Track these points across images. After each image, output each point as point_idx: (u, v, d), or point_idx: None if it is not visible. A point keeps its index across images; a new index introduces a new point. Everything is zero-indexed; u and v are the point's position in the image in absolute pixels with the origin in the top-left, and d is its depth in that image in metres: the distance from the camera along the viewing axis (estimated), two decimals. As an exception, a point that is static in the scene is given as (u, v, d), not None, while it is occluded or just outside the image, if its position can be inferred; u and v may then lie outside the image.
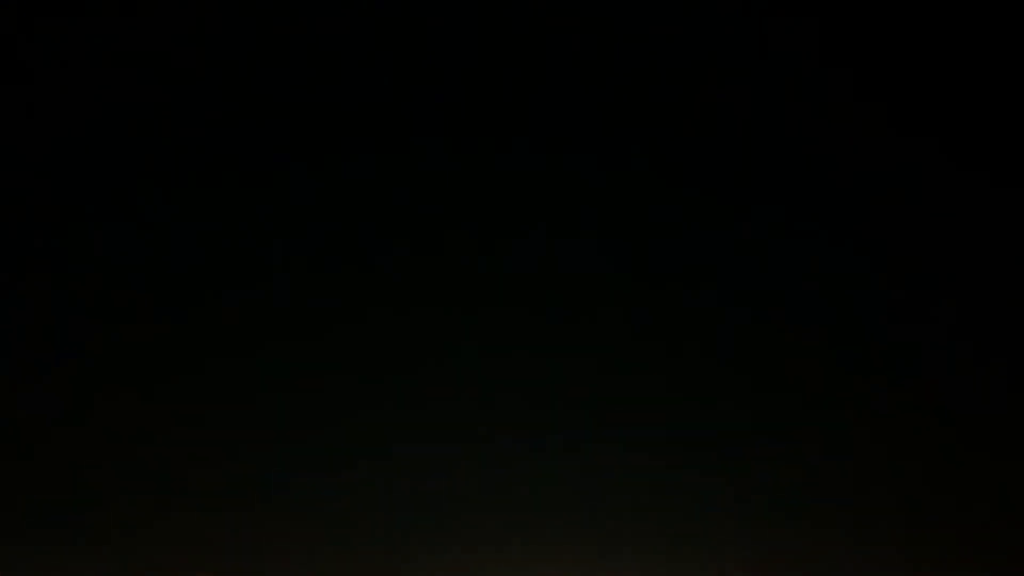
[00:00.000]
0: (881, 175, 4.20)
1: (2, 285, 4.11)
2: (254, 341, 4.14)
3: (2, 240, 4.11)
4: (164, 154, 4.17)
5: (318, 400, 4.13)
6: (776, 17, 4.20)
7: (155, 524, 4.05)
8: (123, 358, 4.12)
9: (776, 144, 4.20)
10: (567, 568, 4.04)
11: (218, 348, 4.13)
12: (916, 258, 4.17)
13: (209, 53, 4.16)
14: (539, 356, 4.15)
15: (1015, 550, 4.04)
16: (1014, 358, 4.13)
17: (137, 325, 4.13)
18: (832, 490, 4.09)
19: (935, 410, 4.12)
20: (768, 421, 4.12)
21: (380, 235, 4.19)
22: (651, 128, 4.20)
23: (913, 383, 4.13)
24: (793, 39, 4.21)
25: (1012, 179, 4.18)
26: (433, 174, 4.20)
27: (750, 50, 4.21)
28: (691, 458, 4.10)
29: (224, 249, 4.16)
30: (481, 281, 4.17)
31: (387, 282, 4.17)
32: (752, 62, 4.20)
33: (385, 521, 4.08)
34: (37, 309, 4.12)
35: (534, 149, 4.20)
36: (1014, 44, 4.18)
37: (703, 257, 4.18)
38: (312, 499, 4.09)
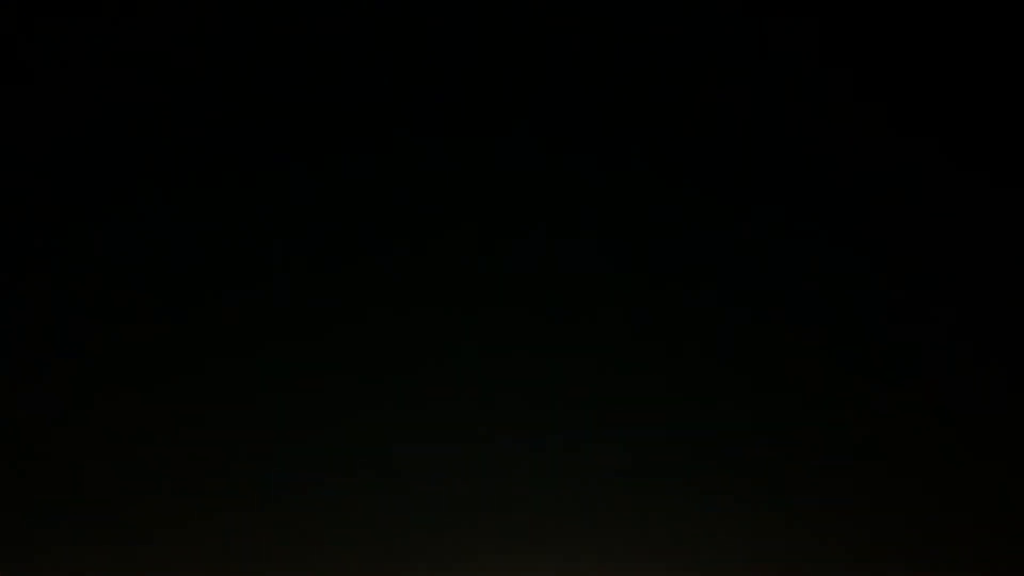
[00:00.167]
0: (881, 175, 4.20)
1: (1, 285, 4.11)
2: (254, 341, 4.14)
3: (1, 240, 4.12)
4: (164, 154, 4.17)
5: (318, 400, 4.13)
6: (776, 17, 4.20)
7: (155, 524, 4.05)
8: (122, 358, 4.12)
9: (776, 144, 4.20)
10: (568, 569, 4.04)
11: (217, 348, 4.13)
12: (916, 258, 4.17)
13: (209, 53, 4.16)
14: (539, 356, 4.14)
15: (1015, 550, 4.04)
16: (1014, 358, 4.13)
17: (136, 325, 4.13)
18: (832, 490, 4.09)
19: (935, 410, 4.12)
20: (769, 421, 4.12)
21: (380, 235, 4.19)
22: (651, 128, 4.20)
23: (913, 383, 4.13)
24: (793, 39, 4.21)
25: (1012, 179, 4.18)
26: (433, 174, 4.20)
27: (750, 50, 4.20)
28: (692, 459, 4.10)
29: (224, 249, 4.16)
30: (481, 281, 4.17)
31: (387, 282, 4.17)
32: (752, 62, 4.20)
33: (385, 521, 4.08)
34: (36, 309, 4.12)
35: (534, 149, 4.20)
36: (1014, 44, 4.18)
37: (703, 257, 4.18)
38: (311, 499, 4.09)
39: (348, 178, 4.20)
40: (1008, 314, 4.14)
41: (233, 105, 4.17)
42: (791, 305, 4.16)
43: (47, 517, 4.04)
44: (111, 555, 4.03)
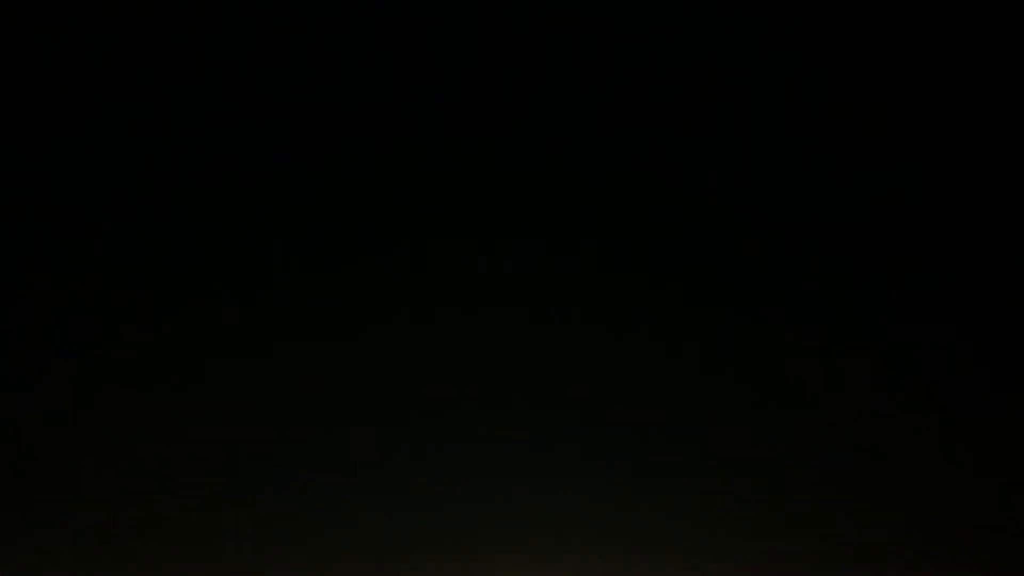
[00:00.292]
0: (881, 174, 4.20)
1: (2, 285, 4.11)
2: (253, 341, 4.14)
3: (1, 240, 4.12)
4: (164, 154, 4.17)
5: (317, 400, 4.13)
6: (776, 17, 4.20)
7: (155, 524, 4.05)
8: (122, 358, 4.12)
9: (776, 144, 4.20)
10: (568, 569, 4.05)
11: (217, 348, 4.13)
12: (916, 258, 4.17)
13: (209, 53, 4.16)
14: (539, 355, 4.14)
15: (1015, 550, 4.04)
16: (1015, 358, 4.13)
17: (136, 325, 4.13)
18: (832, 491, 4.09)
19: (935, 410, 4.12)
20: (769, 421, 4.12)
21: (380, 235, 4.19)
22: (651, 128, 4.20)
23: (913, 383, 4.13)
24: (793, 39, 4.21)
25: (1012, 179, 4.18)
26: (433, 174, 4.20)
27: (750, 50, 4.20)
28: (692, 459, 4.10)
29: (223, 249, 4.16)
30: (481, 281, 4.17)
31: (387, 282, 4.17)
32: (752, 62, 4.20)
33: (385, 521, 4.08)
34: (36, 309, 4.12)
35: (534, 149, 4.20)
36: (1014, 44, 4.19)
37: (703, 257, 4.18)
38: (312, 499, 4.09)
39: (348, 178, 4.20)
40: (1008, 314, 4.14)
41: (233, 105, 4.18)
42: (791, 305, 4.16)
43: (47, 517, 4.04)
44: (111, 555, 4.03)
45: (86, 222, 4.14)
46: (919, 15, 4.19)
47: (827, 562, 4.05)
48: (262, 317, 4.15)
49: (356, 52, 4.20)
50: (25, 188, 4.14)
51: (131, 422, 4.09)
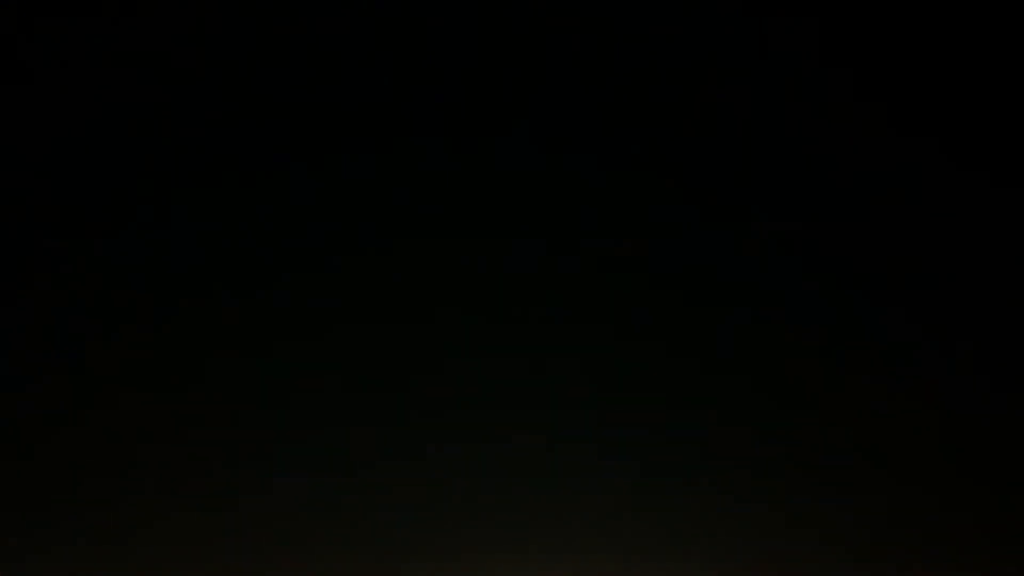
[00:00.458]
0: (881, 175, 4.20)
1: (2, 285, 4.11)
2: (253, 341, 4.14)
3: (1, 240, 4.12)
4: (164, 154, 4.17)
5: (318, 400, 4.13)
6: (776, 17, 4.20)
7: (155, 524, 4.05)
8: (122, 358, 4.12)
9: (775, 144, 4.20)
10: (569, 569, 4.05)
11: (217, 348, 4.13)
12: (917, 258, 4.17)
13: (209, 54, 4.16)
14: (539, 356, 4.14)
15: (1015, 551, 4.04)
16: (1014, 358, 4.13)
17: (135, 325, 4.13)
18: (834, 491, 4.09)
19: (935, 411, 4.12)
20: (769, 422, 4.12)
21: (380, 235, 4.19)
22: (651, 128, 4.20)
23: (912, 383, 4.13)
24: (793, 39, 4.21)
25: (1012, 179, 4.18)
26: (433, 174, 4.20)
27: (750, 50, 4.21)
28: (693, 459, 4.11)
29: (223, 249, 4.16)
30: (480, 281, 4.17)
31: (387, 282, 4.17)
32: (752, 62, 4.20)
33: (386, 522, 4.08)
34: (36, 309, 4.12)
35: (534, 149, 4.20)
36: (1014, 44, 4.19)
37: (703, 257, 4.18)
38: (312, 500, 4.09)
39: (348, 178, 4.20)
40: (1008, 314, 4.14)
41: (233, 105, 4.18)
42: (791, 305, 4.16)
43: (47, 517, 4.04)
44: (111, 555, 4.03)
45: (86, 222, 4.14)
46: (919, 15, 4.20)
47: (827, 562, 4.05)
48: (262, 317, 4.15)
49: (356, 52, 4.20)
50: (25, 188, 4.14)
51: (131, 422, 4.09)
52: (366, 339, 4.15)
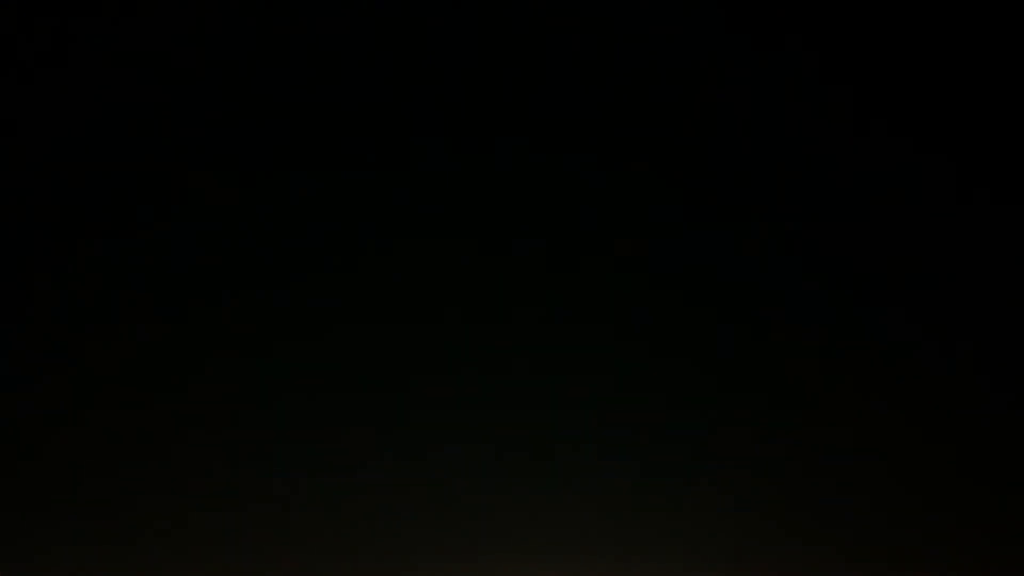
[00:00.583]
0: (881, 175, 4.20)
1: (3, 287, 4.11)
2: (253, 342, 4.14)
3: (3, 242, 4.12)
4: (163, 154, 4.17)
5: (319, 401, 4.13)
6: (776, 17, 4.20)
7: (157, 526, 4.06)
8: (121, 358, 4.12)
9: (774, 146, 4.20)
10: (570, 570, 4.05)
11: (217, 349, 4.13)
12: (916, 258, 4.18)
13: (210, 55, 4.16)
14: (539, 356, 4.15)
15: (1012, 551, 4.04)
16: (1012, 358, 4.13)
17: (135, 325, 4.13)
18: (834, 492, 4.09)
19: (935, 412, 4.12)
20: (769, 423, 4.12)
21: (380, 236, 4.19)
22: (651, 128, 4.21)
23: (913, 384, 4.13)
24: (793, 39, 4.21)
25: (1012, 180, 4.19)
26: (433, 174, 4.20)
27: (749, 52, 4.21)
28: (693, 460, 4.11)
29: (226, 251, 4.16)
30: (481, 281, 4.17)
31: (386, 282, 4.17)
32: (752, 62, 4.21)
33: (386, 525, 4.08)
34: (36, 310, 4.12)
35: (534, 149, 4.20)
36: (1014, 44, 4.19)
37: (703, 258, 4.18)
38: (312, 501, 4.09)
39: (348, 179, 4.20)
40: (1008, 315, 4.15)
41: (234, 107, 4.18)
42: (791, 306, 4.16)
43: (47, 517, 4.04)
44: (111, 556, 4.03)
45: (86, 222, 4.14)
46: (918, 16, 4.20)
47: (828, 563, 4.05)
48: (262, 319, 4.15)
49: (357, 52, 4.20)
50: (24, 187, 4.14)
51: (131, 422, 4.09)
52: (366, 339, 4.14)
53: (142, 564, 4.03)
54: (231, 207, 4.17)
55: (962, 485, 4.09)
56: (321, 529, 4.07)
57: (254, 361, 4.13)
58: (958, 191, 4.19)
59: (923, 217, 4.18)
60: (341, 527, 4.08)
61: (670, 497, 4.08)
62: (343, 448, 4.10)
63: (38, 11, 4.15)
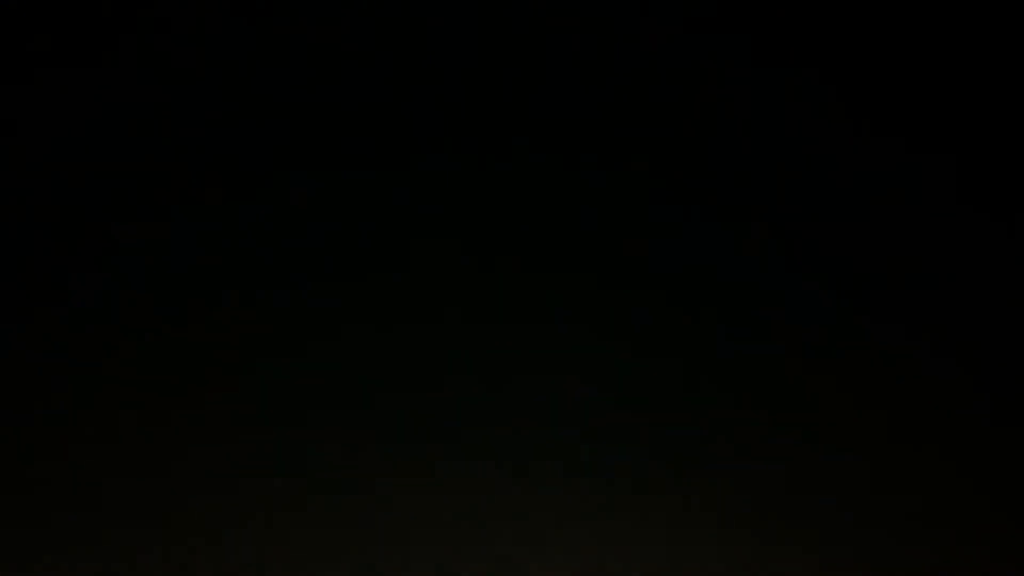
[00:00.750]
0: (882, 176, 4.21)
1: (8, 291, 4.12)
2: (253, 342, 4.14)
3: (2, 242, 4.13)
4: (165, 157, 4.17)
5: (318, 403, 4.13)
6: (776, 19, 4.21)
7: (157, 531, 4.06)
8: (122, 358, 4.12)
9: (776, 145, 4.21)
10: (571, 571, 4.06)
11: (217, 349, 4.13)
12: (917, 259, 4.18)
13: (214, 56, 4.17)
14: (540, 357, 4.15)
15: (1014, 552, 4.05)
16: (1015, 359, 4.14)
17: (138, 326, 4.14)
18: (833, 492, 4.10)
19: (935, 412, 4.13)
20: (771, 423, 4.12)
21: (380, 237, 4.19)
22: (652, 129, 4.21)
23: (914, 384, 4.14)
24: (793, 40, 4.22)
25: (1012, 180, 4.19)
26: (433, 174, 4.20)
27: (750, 56, 4.22)
28: (694, 461, 4.11)
29: (226, 251, 4.16)
30: (480, 282, 4.17)
31: (386, 283, 4.17)
32: (752, 65, 4.21)
33: (384, 525, 4.09)
34: (36, 312, 4.12)
35: (534, 149, 4.21)
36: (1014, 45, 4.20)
37: (702, 259, 4.18)
38: (312, 502, 4.09)
39: (348, 178, 4.20)
40: (1008, 315, 4.15)
41: (239, 108, 4.18)
42: (791, 307, 4.17)
43: (47, 518, 4.04)
44: (112, 556, 4.03)
45: (85, 225, 4.15)
46: (919, 18, 4.20)
47: (827, 564, 4.05)
48: (262, 320, 4.15)
49: (359, 58, 4.20)
50: (25, 189, 4.15)
51: (131, 423, 4.10)
52: (366, 339, 4.15)
53: (144, 566, 4.03)
54: (231, 208, 4.17)
55: (963, 486, 4.09)
56: (321, 535, 4.07)
57: (254, 362, 4.12)
58: (959, 192, 4.20)
59: (923, 218, 4.18)
60: (342, 539, 4.07)
61: (671, 497, 4.08)
62: (341, 449, 4.10)
63: (39, 12, 4.15)
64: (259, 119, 4.17)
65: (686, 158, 4.19)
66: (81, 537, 4.03)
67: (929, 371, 4.13)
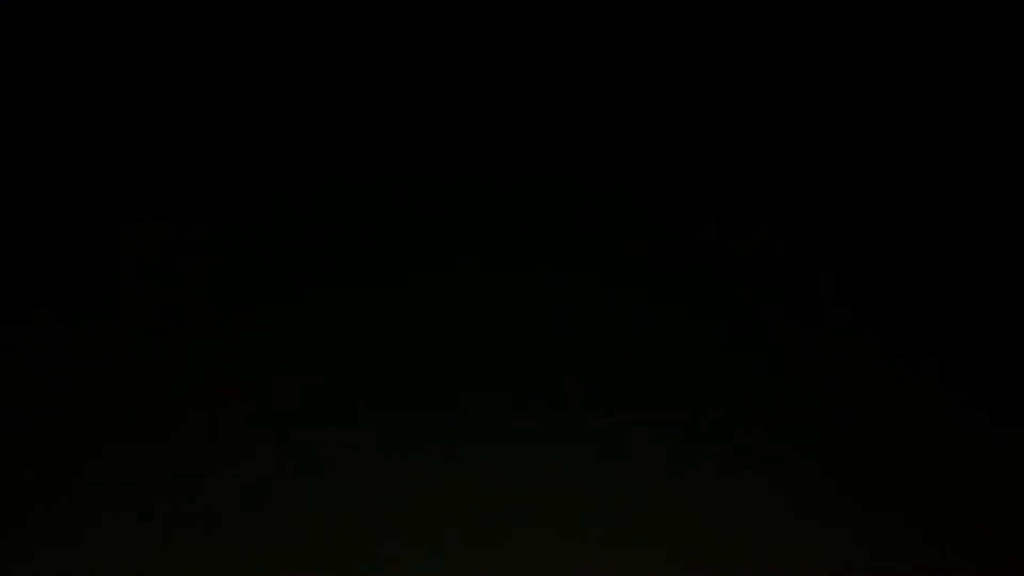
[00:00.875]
0: (881, 176, 4.21)
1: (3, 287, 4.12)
2: (253, 342, 4.14)
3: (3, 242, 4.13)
4: (163, 156, 4.18)
5: (318, 403, 4.13)
6: (776, 20, 4.21)
7: (158, 531, 4.05)
8: (122, 358, 4.12)
9: (775, 150, 4.22)
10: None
11: (216, 349, 4.13)
12: (916, 259, 4.18)
13: (214, 56, 4.18)
14: (540, 357, 4.15)
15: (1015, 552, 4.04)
16: (1015, 359, 4.13)
17: (139, 327, 4.14)
18: (833, 493, 4.09)
19: (936, 413, 4.12)
20: (771, 424, 4.12)
21: (379, 237, 4.19)
22: (651, 131, 4.22)
23: (914, 384, 4.13)
24: (793, 43, 4.23)
25: (1012, 180, 4.19)
26: (433, 174, 4.21)
27: (750, 56, 4.22)
28: (695, 463, 4.11)
29: (226, 251, 4.17)
30: (480, 283, 4.17)
31: (386, 283, 4.18)
32: (752, 67, 4.22)
33: (386, 527, 4.08)
34: (37, 313, 4.12)
35: (534, 151, 4.21)
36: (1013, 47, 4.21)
37: (703, 258, 4.19)
38: (312, 503, 4.09)
39: (348, 179, 4.21)
40: (1009, 316, 4.15)
41: (233, 111, 4.19)
42: (790, 307, 4.17)
43: (47, 518, 4.04)
44: (111, 556, 4.03)
45: (86, 227, 4.15)
46: (920, 18, 4.21)
47: (829, 564, 4.04)
48: (262, 318, 4.16)
49: (356, 52, 4.21)
50: (26, 189, 4.16)
51: (130, 423, 4.09)
52: (366, 340, 4.15)
53: (144, 567, 4.03)
54: (231, 208, 4.18)
55: (965, 487, 4.09)
56: (321, 535, 4.07)
57: (254, 362, 4.12)
58: (959, 193, 4.20)
59: (924, 219, 4.19)
60: (341, 533, 4.07)
61: (669, 497, 4.08)
62: (341, 450, 4.10)
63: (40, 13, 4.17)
64: (259, 119, 4.18)
65: (686, 158, 4.20)
66: (80, 536, 4.03)
67: (929, 372, 4.13)
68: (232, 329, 4.13)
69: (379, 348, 4.14)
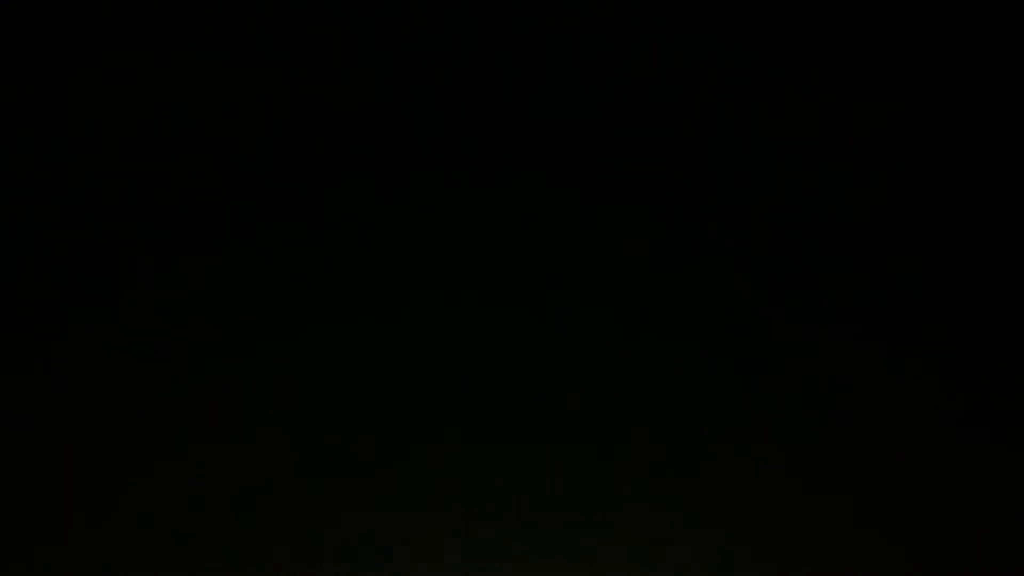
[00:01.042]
0: (882, 177, 4.21)
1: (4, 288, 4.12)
2: (253, 343, 4.14)
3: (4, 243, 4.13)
4: (163, 156, 4.18)
5: (317, 404, 4.13)
6: (775, 21, 4.21)
7: (159, 533, 4.05)
8: (122, 358, 4.12)
9: (775, 150, 4.21)
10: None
11: (216, 349, 4.13)
12: (917, 260, 4.18)
13: (214, 56, 4.18)
14: (539, 356, 4.14)
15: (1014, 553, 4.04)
16: (1014, 360, 4.13)
17: (141, 328, 4.14)
18: (834, 493, 4.09)
19: (936, 413, 4.12)
20: (772, 424, 4.12)
21: (380, 238, 4.19)
22: (651, 131, 4.22)
23: (914, 385, 4.13)
24: (793, 43, 4.23)
25: (1012, 181, 4.19)
26: (432, 175, 4.21)
27: (750, 56, 4.22)
28: (694, 464, 4.11)
29: (225, 251, 4.16)
30: (480, 282, 4.17)
31: (385, 283, 4.17)
32: (752, 68, 4.22)
33: (386, 527, 4.08)
34: (36, 313, 4.12)
35: (533, 151, 4.21)
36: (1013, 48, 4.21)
37: (703, 257, 4.19)
38: (312, 504, 4.08)
39: (349, 180, 4.21)
40: (1009, 316, 4.15)
41: (231, 112, 4.19)
42: (791, 307, 4.16)
43: (47, 518, 4.04)
44: (111, 557, 4.03)
45: (87, 230, 4.15)
46: (921, 20, 4.21)
47: (828, 565, 4.04)
48: (262, 321, 4.16)
49: (356, 52, 4.21)
50: (26, 191, 4.15)
51: (131, 422, 4.09)
52: (367, 340, 4.15)
53: (144, 567, 4.03)
54: (230, 208, 4.18)
55: (965, 488, 4.08)
56: (321, 536, 4.07)
57: (253, 361, 4.12)
58: (960, 194, 4.20)
59: (924, 219, 4.18)
60: (341, 533, 4.07)
61: (669, 497, 4.08)
62: (339, 450, 4.09)
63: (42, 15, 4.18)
64: (259, 119, 4.18)
65: (686, 158, 4.20)
66: (81, 537, 4.03)
67: (930, 372, 4.13)
68: (232, 329, 4.13)
69: (379, 348, 4.14)
